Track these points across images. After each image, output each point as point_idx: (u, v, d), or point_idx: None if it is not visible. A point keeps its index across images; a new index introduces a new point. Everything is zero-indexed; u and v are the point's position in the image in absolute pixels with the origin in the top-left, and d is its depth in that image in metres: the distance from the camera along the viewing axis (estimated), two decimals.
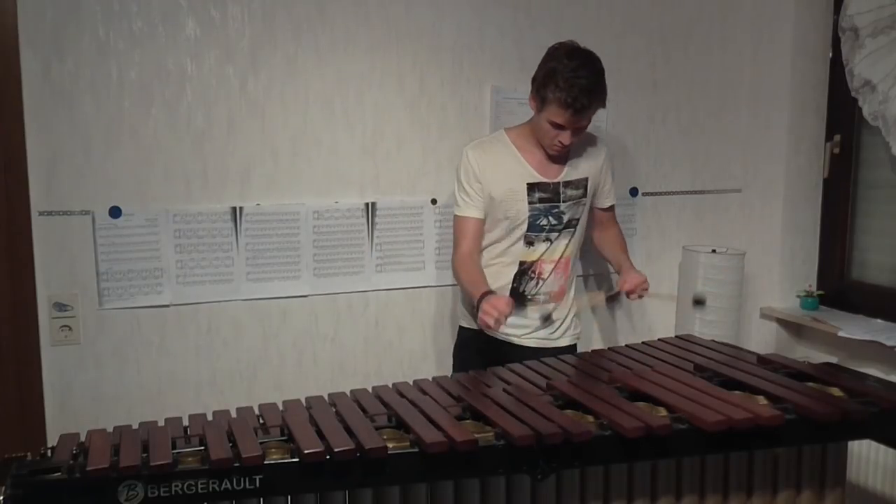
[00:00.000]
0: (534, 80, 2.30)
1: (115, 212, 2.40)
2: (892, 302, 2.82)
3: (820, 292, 3.03)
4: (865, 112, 2.82)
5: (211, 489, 1.47)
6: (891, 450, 2.41)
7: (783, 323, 3.10)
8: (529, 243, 2.40)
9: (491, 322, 2.14)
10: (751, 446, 1.77)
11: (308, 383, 2.64)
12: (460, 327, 2.60)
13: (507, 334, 2.39)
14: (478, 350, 2.46)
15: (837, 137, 3.01)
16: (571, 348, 2.50)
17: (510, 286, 2.41)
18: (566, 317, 2.50)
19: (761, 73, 3.10)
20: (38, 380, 2.37)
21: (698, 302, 2.48)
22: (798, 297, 3.05)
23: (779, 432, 1.72)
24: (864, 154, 2.96)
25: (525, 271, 2.42)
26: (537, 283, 2.43)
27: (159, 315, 2.48)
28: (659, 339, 2.34)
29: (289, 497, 1.57)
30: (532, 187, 2.37)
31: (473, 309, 2.31)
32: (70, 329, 2.39)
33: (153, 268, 2.46)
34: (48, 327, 2.37)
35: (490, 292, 2.23)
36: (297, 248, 2.60)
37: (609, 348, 2.27)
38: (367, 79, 2.62)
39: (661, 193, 3.09)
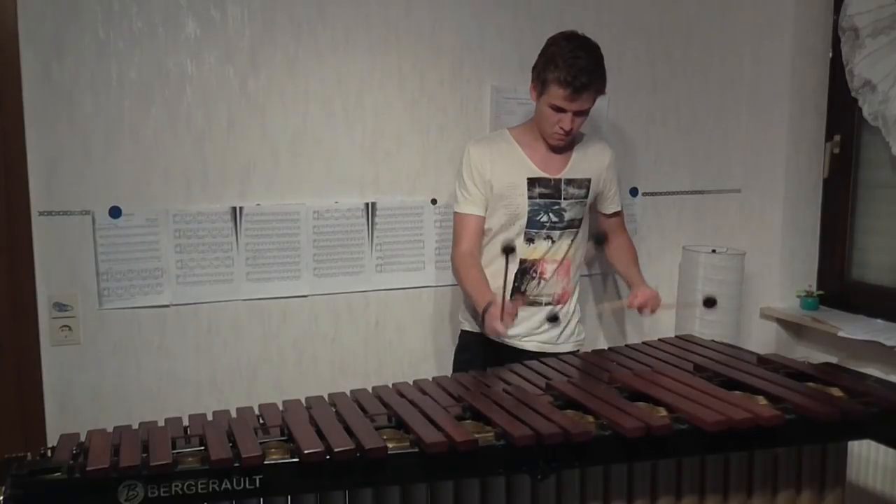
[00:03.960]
0: (534, 67, 2.32)
1: (115, 212, 2.40)
2: (892, 302, 2.82)
3: (820, 292, 3.03)
4: (865, 112, 2.82)
5: (211, 489, 1.47)
6: (891, 450, 2.40)
7: (783, 323, 3.10)
8: (530, 240, 2.39)
9: (501, 329, 2.15)
10: (751, 446, 1.77)
11: (308, 383, 2.64)
12: (462, 331, 2.58)
13: (509, 336, 2.37)
14: (479, 353, 2.45)
15: (837, 137, 3.01)
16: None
17: (511, 285, 2.39)
18: (570, 321, 2.49)
19: (761, 73, 3.10)
20: (38, 380, 2.37)
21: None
22: (798, 297, 3.05)
23: (779, 432, 1.72)
24: (864, 154, 2.96)
25: (526, 270, 2.40)
26: (539, 283, 2.42)
27: (159, 315, 2.48)
28: (659, 339, 2.34)
29: (289, 497, 1.57)
30: (532, 182, 2.37)
31: (476, 313, 2.31)
32: (70, 329, 2.39)
33: (153, 268, 2.46)
34: (48, 327, 2.37)
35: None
36: (297, 248, 2.60)
37: (609, 348, 2.27)
38: (367, 79, 2.62)
39: (661, 193, 3.09)
